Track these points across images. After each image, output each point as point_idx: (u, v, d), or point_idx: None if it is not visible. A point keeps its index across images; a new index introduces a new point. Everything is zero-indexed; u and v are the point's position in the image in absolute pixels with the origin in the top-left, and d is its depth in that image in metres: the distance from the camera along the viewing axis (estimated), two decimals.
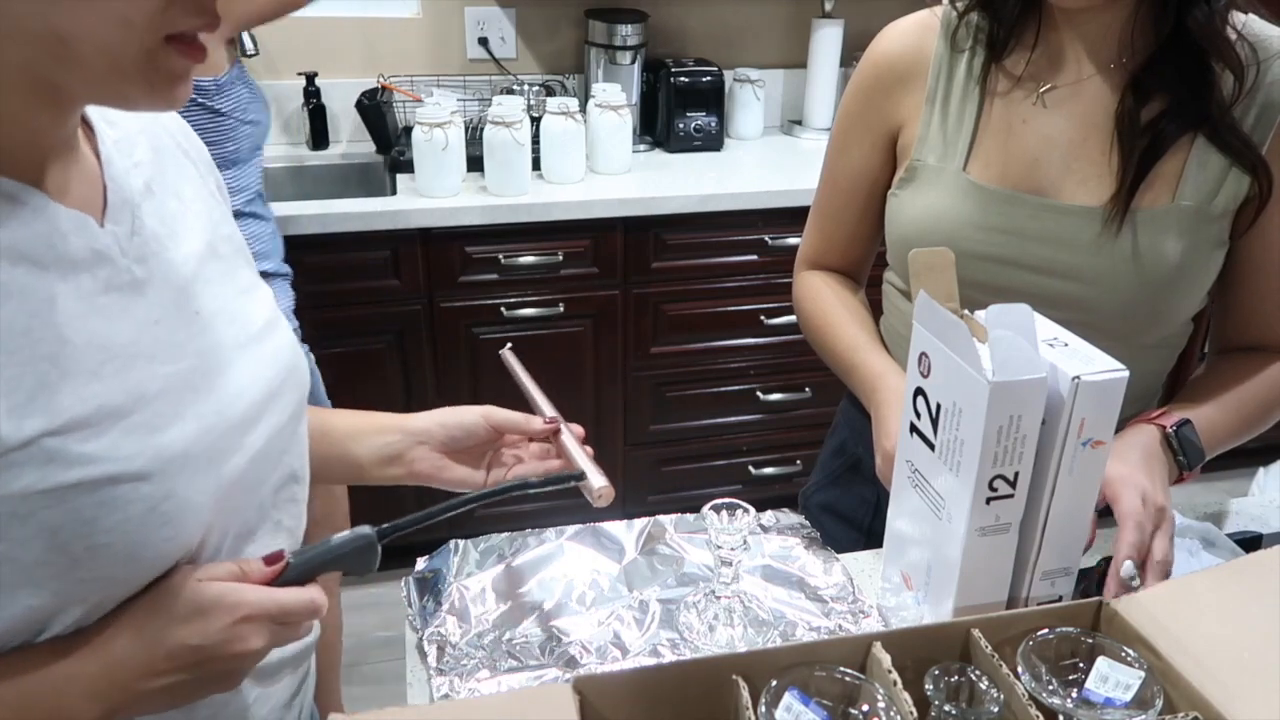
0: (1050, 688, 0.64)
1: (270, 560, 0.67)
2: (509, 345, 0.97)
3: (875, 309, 1.13)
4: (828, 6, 2.51)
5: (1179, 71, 0.87)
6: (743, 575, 0.91)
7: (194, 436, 0.62)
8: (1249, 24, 0.88)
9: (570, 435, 0.88)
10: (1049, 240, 0.92)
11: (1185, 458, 0.89)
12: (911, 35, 1.01)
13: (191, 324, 0.65)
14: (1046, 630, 0.67)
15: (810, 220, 1.15)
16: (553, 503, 2.30)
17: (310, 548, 0.70)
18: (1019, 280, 0.93)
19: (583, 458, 0.86)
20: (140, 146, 0.68)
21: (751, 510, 0.84)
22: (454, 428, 0.87)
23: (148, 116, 0.70)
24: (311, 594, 0.67)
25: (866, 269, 1.15)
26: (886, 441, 0.90)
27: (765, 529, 0.99)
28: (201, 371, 0.65)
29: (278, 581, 0.67)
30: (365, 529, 0.72)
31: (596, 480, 0.83)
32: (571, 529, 0.97)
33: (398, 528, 0.73)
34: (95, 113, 0.65)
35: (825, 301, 1.11)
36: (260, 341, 0.71)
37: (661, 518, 0.99)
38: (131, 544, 0.58)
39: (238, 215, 1.49)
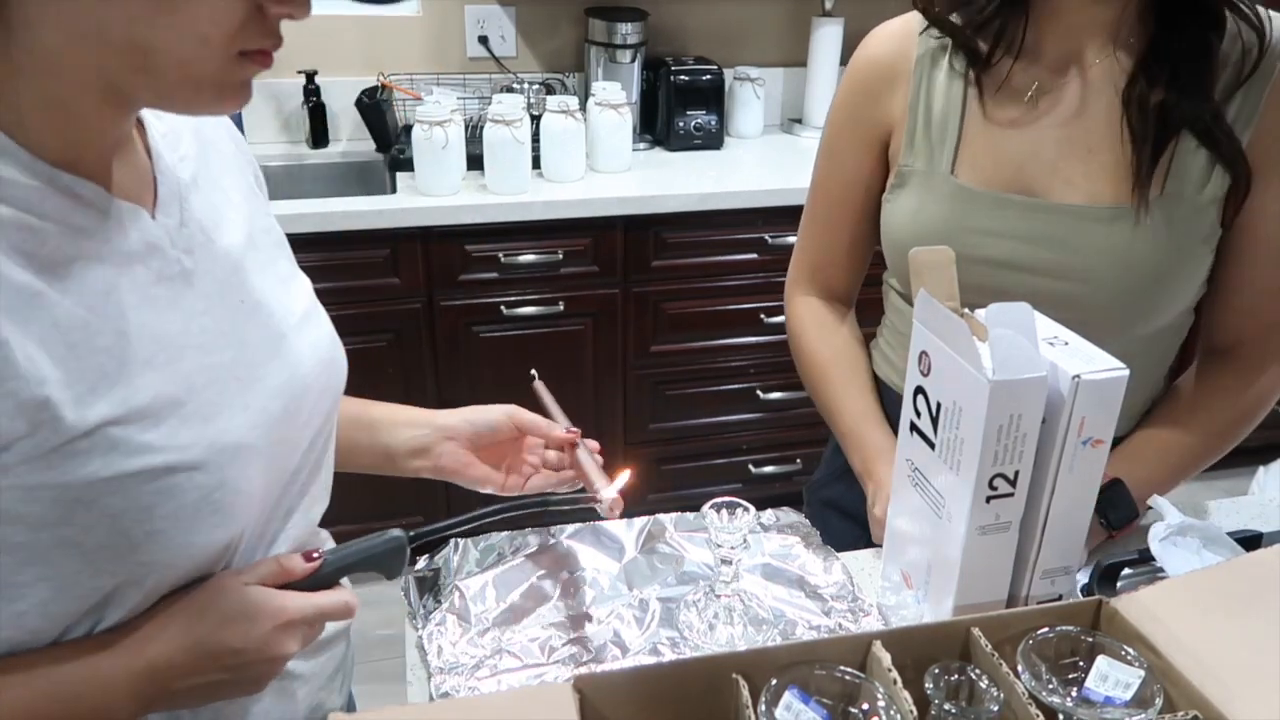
0: (1050, 686, 0.64)
1: (308, 557, 0.69)
2: (535, 375, 1.00)
3: (875, 308, 1.13)
4: (828, 5, 2.51)
5: (1175, 65, 0.87)
6: (742, 574, 0.91)
7: (244, 427, 0.64)
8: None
9: (586, 450, 0.90)
10: (1039, 240, 0.92)
11: (1108, 520, 0.88)
12: (896, 39, 1.01)
13: (236, 314, 0.67)
14: (1046, 629, 0.67)
15: (802, 231, 1.14)
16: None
17: (344, 547, 0.72)
18: (1013, 281, 0.93)
19: (595, 470, 0.88)
20: (186, 140, 0.70)
21: (751, 509, 0.84)
22: (480, 425, 0.90)
23: None
24: (346, 597, 0.70)
25: (860, 279, 1.15)
26: (878, 510, 0.93)
27: (765, 528, 0.99)
28: (246, 362, 0.67)
29: (310, 579, 0.69)
30: (397, 532, 0.74)
31: (607, 492, 0.85)
32: (571, 528, 0.97)
33: (428, 533, 0.76)
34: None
35: (825, 353, 1.10)
36: (300, 332, 0.73)
37: (661, 516, 0.99)
38: (185, 530, 0.60)
39: None
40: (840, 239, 1.10)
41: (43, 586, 0.58)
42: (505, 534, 0.96)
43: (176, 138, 0.69)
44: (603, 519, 0.89)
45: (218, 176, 0.72)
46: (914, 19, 1.00)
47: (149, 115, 0.67)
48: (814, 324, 1.12)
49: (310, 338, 0.74)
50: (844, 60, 2.54)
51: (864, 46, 1.04)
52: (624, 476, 0.87)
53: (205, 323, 0.64)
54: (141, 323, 0.60)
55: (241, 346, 0.67)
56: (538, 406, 0.96)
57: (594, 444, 0.92)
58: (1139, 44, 0.89)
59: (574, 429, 0.91)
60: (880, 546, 0.89)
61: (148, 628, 0.63)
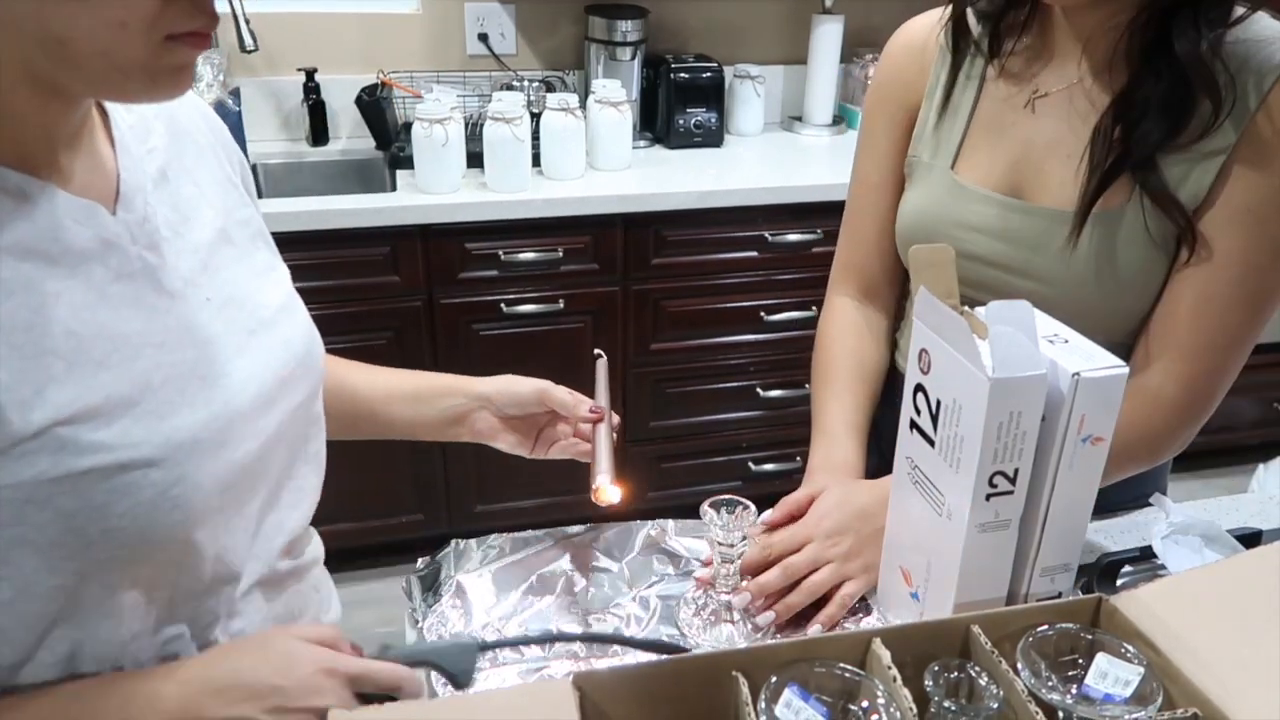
0: (1050, 684, 0.64)
1: (356, 651, 0.69)
2: (600, 354, 1.02)
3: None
4: (828, 3, 2.50)
5: (1162, 96, 0.84)
6: None
7: (203, 423, 0.63)
8: (1254, 24, 0.84)
9: (606, 431, 0.91)
10: (1012, 239, 0.94)
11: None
12: (925, 30, 1.03)
13: (201, 311, 0.66)
14: (1046, 626, 0.67)
15: (843, 229, 1.14)
16: (553, 499, 2.31)
17: (413, 645, 0.75)
18: (989, 276, 0.95)
19: (605, 454, 0.88)
20: (156, 132, 0.68)
21: (751, 506, 0.84)
22: (510, 400, 0.94)
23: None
24: (401, 673, 0.68)
25: (897, 271, 1.11)
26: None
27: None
28: (208, 359, 0.65)
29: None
30: (469, 636, 0.77)
31: (600, 478, 0.86)
32: (573, 529, 0.97)
33: (497, 644, 0.80)
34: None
35: (838, 355, 1.10)
36: (272, 328, 0.72)
37: (662, 521, 0.99)
38: (142, 526, 0.59)
39: None
40: (877, 226, 1.08)
41: (4, 586, 0.57)
42: (506, 534, 0.96)
43: (146, 130, 0.67)
44: (601, 512, 0.89)
45: (192, 168, 0.70)
46: (945, 13, 1.01)
47: (117, 107, 0.65)
48: (836, 326, 1.12)
49: (283, 333, 0.73)
50: (844, 58, 2.54)
51: (896, 35, 1.06)
52: (614, 491, 0.87)
53: (168, 320, 0.63)
54: (97, 322, 0.59)
55: (205, 344, 0.65)
56: (593, 383, 0.98)
57: (616, 420, 0.94)
58: (1125, 76, 0.87)
59: (599, 407, 0.93)
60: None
61: (185, 657, 0.63)
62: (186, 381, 0.63)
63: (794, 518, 0.93)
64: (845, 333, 1.11)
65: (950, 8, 0.98)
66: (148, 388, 0.61)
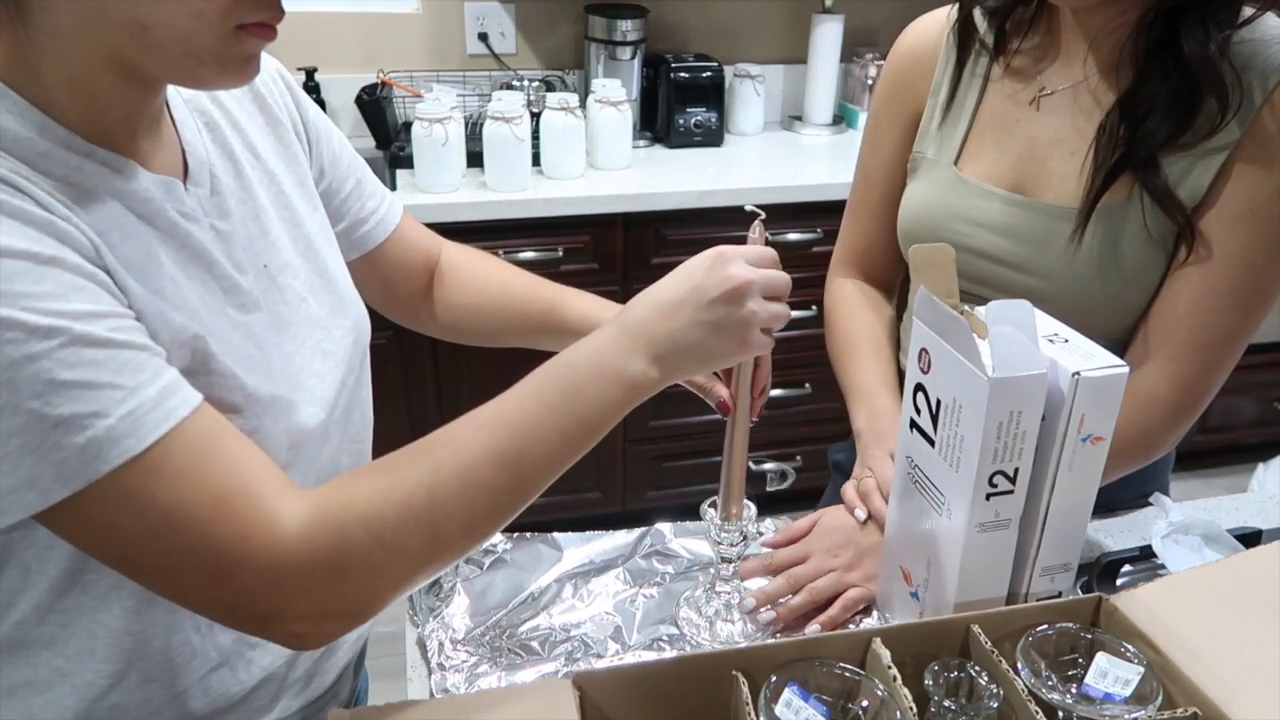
0: (1049, 683, 0.64)
1: None
2: (759, 214, 0.93)
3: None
4: (828, 2, 2.50)
5: (1168, 95, 0.84)
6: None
7: (276, 382, 0.68)
8: (1261, 25, 0.84)
9: (740, 439, 0.82)
10: (1016, 235, 0.94)
11: None
12: (933, 31, 1.04)
13: (259, 278, 0.71)
14: (1046, 626, 0.67)
15: (846, 218, 1.17)
16: (551, 498, 2.31)
17: None
18: (990, 272, 0.95)
19: (737, 477, 0.82)
20: (209, 105, 0.72)
21: (752, 506, 0.84)
22: None
23: None
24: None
25: (900, 265, 1.13)
26: (862, 477, 0.95)
27: (763, 534, 0.99)
28: (273, 325, 0.70)
29: None
30: None
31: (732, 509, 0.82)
32: (574, 534, 0.97)
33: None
34: None
35: (853, 328, 1.11)
36: (325, 293, 0.77)
37: (661, 525, 0.98)
38: None
39: None
40: (878, 222, 1.10)
41: None
42: (506, 534, 0.96)
43: (198, 106, 0.71)
44: (599, 517, 0.88)
45: (246, 134, 0.74)
46: (953, 12, 1.01)
47: (171, 88, 0.69)
48: (845, 303, 1.14)
49: (333, 300, 0.78)
50: (844, 57, 2.54)
51: (903, 36, 1.07)
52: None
53: (240, 285, 0.68)
54: (188, 281, 0.63)
55: (268, 309, 0.70)
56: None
57: (764, 379, 0.84)
58: (1131, 75, 0.88)
59: (726, 402, 0.85)
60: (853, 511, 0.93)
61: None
62: (261, 341, 0.68)
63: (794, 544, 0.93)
64: (854, 308, 1.13)
65: (959, 7, 0.99)
66: (230, 344, 0.65)
